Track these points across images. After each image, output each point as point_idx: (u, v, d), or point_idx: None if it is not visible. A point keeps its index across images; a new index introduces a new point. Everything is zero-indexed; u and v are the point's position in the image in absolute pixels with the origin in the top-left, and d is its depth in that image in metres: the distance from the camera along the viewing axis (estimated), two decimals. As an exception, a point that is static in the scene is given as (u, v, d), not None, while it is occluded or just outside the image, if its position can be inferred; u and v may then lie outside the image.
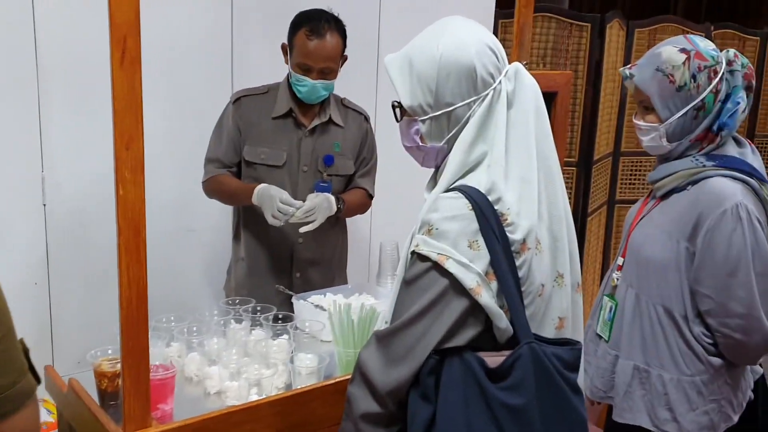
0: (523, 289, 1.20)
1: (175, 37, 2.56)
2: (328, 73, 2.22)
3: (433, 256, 1.16)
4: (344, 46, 2.24)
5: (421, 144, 1.29)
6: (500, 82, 1.24)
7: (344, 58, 2.28)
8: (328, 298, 2.12)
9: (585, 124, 3.88)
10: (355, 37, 2.42)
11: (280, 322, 1.93)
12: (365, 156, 2.43)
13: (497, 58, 1.25)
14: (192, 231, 2.74)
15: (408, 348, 1.18)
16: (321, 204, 2.20)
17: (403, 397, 1.21)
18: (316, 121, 2.30)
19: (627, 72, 1.76)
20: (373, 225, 3.08)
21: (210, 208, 2.50)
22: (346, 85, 2.43)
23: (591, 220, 4.08)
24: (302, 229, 2.20)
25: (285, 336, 1.87)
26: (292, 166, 2.30)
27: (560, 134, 2.01)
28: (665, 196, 1.75)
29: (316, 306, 2.07)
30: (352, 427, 1.24)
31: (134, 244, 1.36)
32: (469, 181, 1.21)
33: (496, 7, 3.43)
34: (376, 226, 3.07)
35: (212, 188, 2.33)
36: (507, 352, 1.18)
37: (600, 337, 1.87)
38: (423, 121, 1.26)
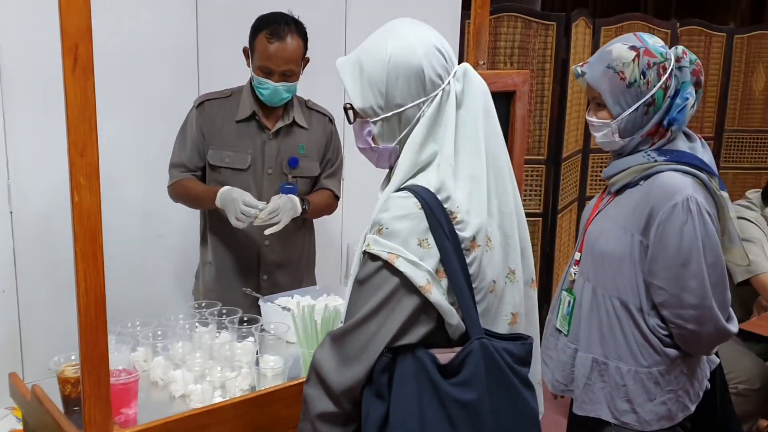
0: (474, 285, 1.23)
1: (141, 41, 2.56)
2: (290, 76, 2.23)
3: (384, 255, 1.18)
4: (305, 48, 2.26)
5: (373, 145, 1.31)
6: (449, 82, 1.26)
7: (306, 60, 2.29)
8: (295, 300, 2.13)
9: (553, 122, 3.93)
10: (321, 39, 2.44)
11: (245, 324, 1.94)
12: (330, 157, 2.45)
13: (445, 59, 1.27)
14: (161, 236, 2.75)
15: (361, 347, 1.19)
16: (285, 205, 2.21)
17: (358, 395, 1.22)
18: (280, 124, 2.32)
19: (579, 70, 1.79)
20: (344, 225, 3.10)
21: (178, 212, 2.51)
22: (313, 87, 2.44)
23: (561, 217, 4.12)
24: (267, 231, 2.21)
25: (250, 338, 1.88)
26: (256, 169, 2.31)
27: (520, 132, 2.05)
28: (619, 191, 1.79)
29: (283, 308, 2.08)
30: (310, 427, 1.26)
31: (91, 251, 1.37)
32: (420, 180, 1.23)
33: (462, 8, 3.46)
34: (347, 227, 3.09)
35: (177, 192, 2.34)
36: (459, 349, 1.20)
37: (559, 331, 1.90)
38: (375, 123, 1.28)
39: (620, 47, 1.71)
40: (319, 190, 2.44)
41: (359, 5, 3.05)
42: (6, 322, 2.45)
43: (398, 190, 1.24)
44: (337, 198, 2.49)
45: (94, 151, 1.35)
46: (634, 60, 1.69)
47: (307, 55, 2.29)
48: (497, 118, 1.32)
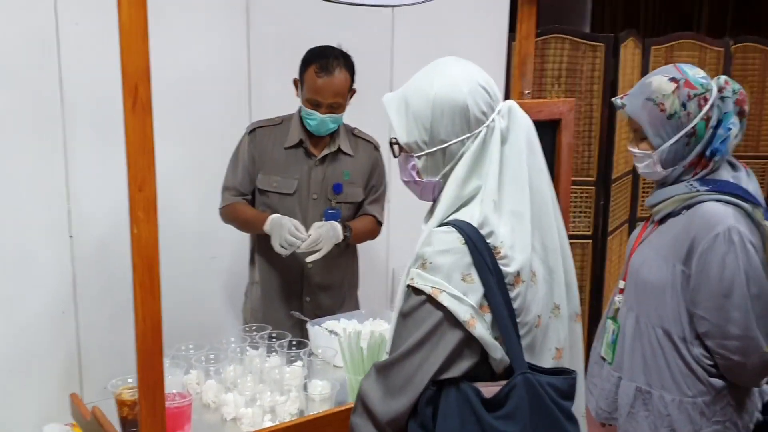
0: (518, 320, 1.24)
1: (196, 71, 2.66)
2: (336, 108, 2.30)
3: (427, 289, 1.20)
4: (352, 81, 2.33)
5: (417, 179, 1.34)
6: (493, 119, 1.29)
7: (353, 92, 2.37)
8: (342, 324, 2.17)
9: (602, 143, 3.90)
10: (369, 68, 2.49)
11: (294, 348, 1.99)
12: (374, 184, 2.51)
13: (490, 96, 1.29)
14: (213, 258, 2.82)
15: (406, 379, 1.22)
16: (326, 234, 2.27)
17: (403, 426, 1.25)
18: (326, 151, 2.39)
19: (619, 102, 1.80)
20: (389, 249, 3.13)
21: (230, 234, 2.58)
22: (360, 113, 2.49)
23: (612, 239, 4.07)
24: (308, 259, 2.28)
25: (299, 363, 1.93)
26: (302, 194, 2.38)
27: (566, 160, 2.05)
28: (662, 220, 1.78)
29: (330, 332, 2.12)
30: None
31: (148, 281, 1.43)
32: (463, 215, 1.26)
33: (510, 30, 3.48)
34: (393, 250, 3.12)
35: (229, 215, 2.43)
36: (503, 382, 1.22)
37: (604, 359, 1.89)
38: (419, 157, 1.32)
39: (660, 79, 1.72)
40: (363, 216, 2.50)
41: (406, 33, 3.09)
42: (66, 342, 2.55)
43: (441, 224, 1.27)
44: (380, 224, 2.54)
45: (152, 185, 1.42)
46: (674, 92, 1.69)
47: (353, 87, 2.35)
48: (542, 154, 1.33)
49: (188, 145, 2.64)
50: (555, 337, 1.31)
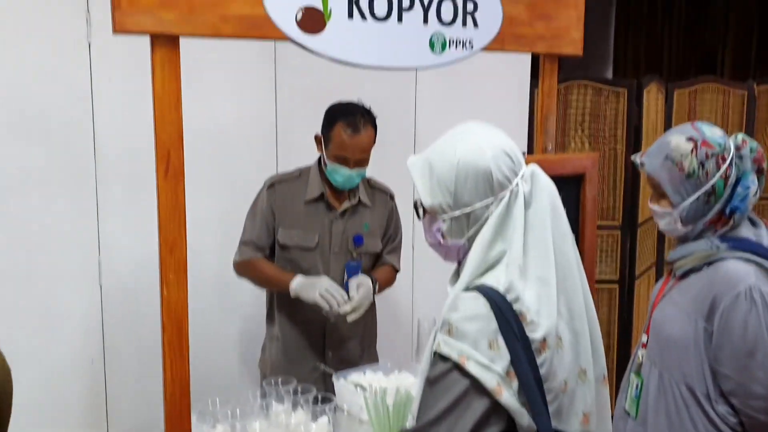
0: (545, 386, 1.24)
1: (223, 123, 2.72)
2: (362, 162, 2.34)
3: (454, 356, 1.21)
4: (376, 135, 2.37)
5: (442, 241, 1.36)
6: (517, 184, 1.30)
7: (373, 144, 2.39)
8: (368, 377, 2.17)
9: (627, 188, 3.89)
10: (392, 121, 2.53)
11: (319, 403, 1.99)
12: (391, 233, 2.52)
13: (513, 161, 1.31)
14: (229, 308, 2.83)
15: None
16: (366, 294, 2.30)
17: (431, 494, 1.24)
18: (346, 204, 2.40)
19: (638, 160, 1.82)
20: (414, 299, 3.13)
21: (247, 286, 2.55)
22: (383, 166, 2.51)
23: (639, 284, 4.04)
24: (349, 319, 2.28)
25: (324, 418, 1.93)
26: (323, 247, 2.39)
27: (590, 214, 2.06)
28: (684, 275, 1.78)
29: (356, 386, 2.12)
30: None
31: (177, 342, 1.46)
32: (488, 279, 1.27)
33: (531, 77, 3.51)
34: (417, 300, 3.13)
35: (246, 270, 2.42)
36: (531, 448, 1.21)
37: (628, 413, 1.87)
38: (444, 220, 1.33)
39: (678, 138, 1.74)
40: (382, 266, 2.50)
41: (428, 85, 3.13)
42: (94, 391, 2.58)
43: (467, 288, 1.28)
44: (398, 271, 2.56)
45: (182, 248, 1.46)
46: (692, 151, 1.71)
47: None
48: (565, 218, 1.35)
49: (215, 195, 2.69)
50: (582, 402, 1.30)
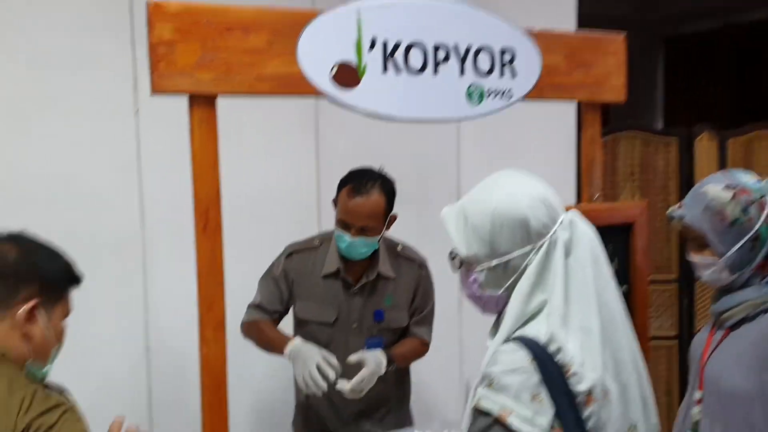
0: None
1: (265, 187, 2.74)
2: (369, 231, 2.17)
3: (495, 410, 1.16)
4: (389, 205, 2.21)
5: (479, 293, 1.32)
6: (555, 231, 1.26)
7: (392, 218, 2.24)
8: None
9: (682, 241, 3.77)
10: (435, 178, 2.50)
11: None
12: (418, 305, 2.36)
13: (550, 208, 1.28)
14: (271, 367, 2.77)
15: None
16: (371, 375, 2.13)
17: None
18: (363, 280, 2.27)
19: (676, 214, 1.77)
20: (462, 358, 3.04)
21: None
22: (429, 220, 2.47)
23: (700, 338, 3.87)
24: (349, 397, 2.13)
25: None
26: (342, 323, 2.26)
27: (641, 264, 2.00)
28: (734, 326, 1.70)
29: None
30: None
31: (216, 401, 1.44)
32: (529, 330, 1.22)
33: (578, 129, 3.48)
34: (466, 360, 3.04)
35: (250, 332, 2.30)
36: None
37: None
38: (480, 270, 1.30)
39: (715, 188, 1.71)
40: (407, 339, 2.35)
41: (472, 140, 3.12)
42: (142, 455, 2.57)
43: (507, 340, 1.23)
44: (427, 345, 2.39)
45: (221, 305, 1.45)
46: (732, 199, 1.67)
47: (393, 213, 2.23)
48: (608, 266, 1.30)
49: (255, 258, 2.68)
50: None
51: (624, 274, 1.97)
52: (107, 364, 2.53)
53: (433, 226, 2.49)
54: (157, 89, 1.36)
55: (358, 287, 2.26)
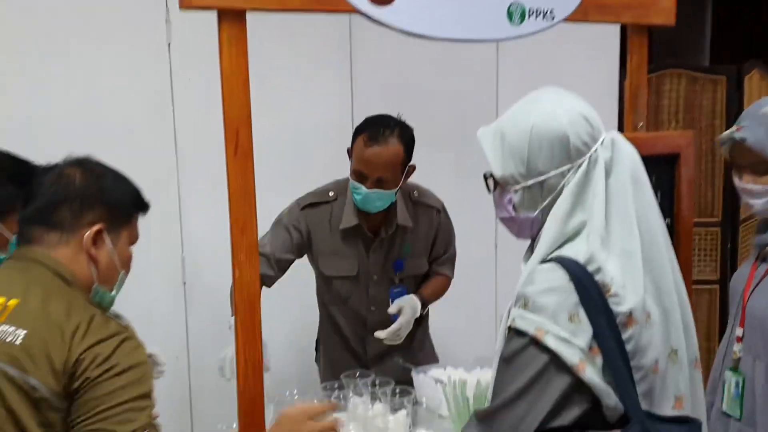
0: (632, 364, 1.14)
1: (299, 121, 2.71)
2: (385, 183, 2.07)
3: (531, 331, 1.13)
4: (407, 155, 2.10)
5: (514, 214, 1.28)
6: (596, 150, 1.21)
7: (410, 169, 2.14)
8: (448, 372, 2.09)
9: (727, 182, 3.65)
10: (473, 110, 2.44)
11: (398, 396, 1.93)
12: (438, 251, 2.33)
13: (591, 126, 1.22)
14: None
15: (510, 428, 1.14)
16: (409, 321, 2.14)
17: (510, 479, 1.16)
18: (382, 233, 2.21)
19: (737, 135, 1.67)
20: (497, 294, 3.02)
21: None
22: (467, 160, 2.41)
23: (742, 284, 3.78)
24: (388, 342, 2.13)
25: (403, 411, 1.87)
26: (363, 275, 2.23)
27: (686, 197, 1.92)
28: None
29: (436, 381, 2.05)
30: None
31: (250, 321, 1.44)
32: (567, 251, 1.18)
33: (621, 66, 3.36)
34: (501, 295, 3.02)
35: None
36: (618, 432, 1.12)
37: (728, 415, 1.71)
38: (516, 191, 1.25)
39: None
40: (434, 278, 2.33)
41: (510, 72, 3.04)
42: (178, 387, 2.62)
43: (544, 261, 1.19)
44: (451, 279, 2.38)
45: (253, 229, 1.43)
46: None
47: (411, 163, 2.13)
48: (650, 188, 1.24)
49: (290, 195, 2.67)
50: (674, 385, 1.19)
51: (668, 208, 1.89)
52: (146, 299, 2.56)
53: (472, 168, 2.45)
54: (185, 4, 1.32)
55: (377, 241, 2.21)
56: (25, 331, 1.18)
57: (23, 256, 1.30)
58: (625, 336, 1.13)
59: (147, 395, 1.22)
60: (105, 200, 1.32)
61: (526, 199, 1.24)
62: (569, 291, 1.13)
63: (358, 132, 2.10)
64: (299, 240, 2.21)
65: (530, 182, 1.22)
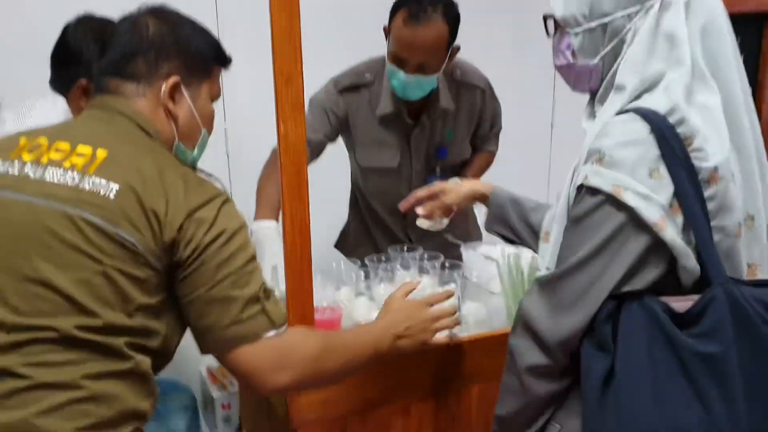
0: (713, 224, 1.04)
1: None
2: (427, 68, 1.88)
3: (607, 187, 1.03)
4: (452, 36, 1.90)
5: (572, 61, 1.16)
6: None
7: (454, 50, 1.95)
8: (499, 248, 2.02)
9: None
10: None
11: (447, 270, 1.87)
12: (484, 130, 2.19)
13: None
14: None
15: (579, 293, 1.06)
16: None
17: (574, 347, 1.10)
18: (424, 118, 2.05)
19: None
20: (551, 171, 2.88)
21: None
22: (526, 32, 2.22)
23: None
24: (432, 230, 1.95)
25: (452, 284, 1.81)
26: (404, 167, 2.10)
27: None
28: None
29: (486, 257, 1.98)
30: (517, 381, 1.16)
31: (296, 182, 1.36)
32: (644, 102, 1.06)
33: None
34: (555, 173, 2.89)
35: (268, 163, 2.01)
36: (695, 296, 1.03)
37: None
38: (576, 35, 1.13)
39: None
40: (479, 156, 2.22)
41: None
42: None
43: (620, 113, 1.07)
44: (495, 152, 2.27)
45: (299, 81, 1.32)
46: None
47: (456, 44, 1.93)
48: (733, 39, 1.10)
49: (339, 66, 2.55)
50: (747, 252, 1.10)
51: (752, 74, 1.73)
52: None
53: (530, 38, 2.27)
54: None
55: (418, 127, 2.05)
56: (117, 185, 1.10)
57: (105, 105, 1.22)
58: (707, 193, 1.03)
59: (254, 257, 1.19)
60: (181, 50, 1.23)
61: (586, 43, 1.13)
62: (650, 144, 1.02)
63: (396, 7, 1.89)
64: (337, 125, 2.06)
65: (593, 24, 1.10)
